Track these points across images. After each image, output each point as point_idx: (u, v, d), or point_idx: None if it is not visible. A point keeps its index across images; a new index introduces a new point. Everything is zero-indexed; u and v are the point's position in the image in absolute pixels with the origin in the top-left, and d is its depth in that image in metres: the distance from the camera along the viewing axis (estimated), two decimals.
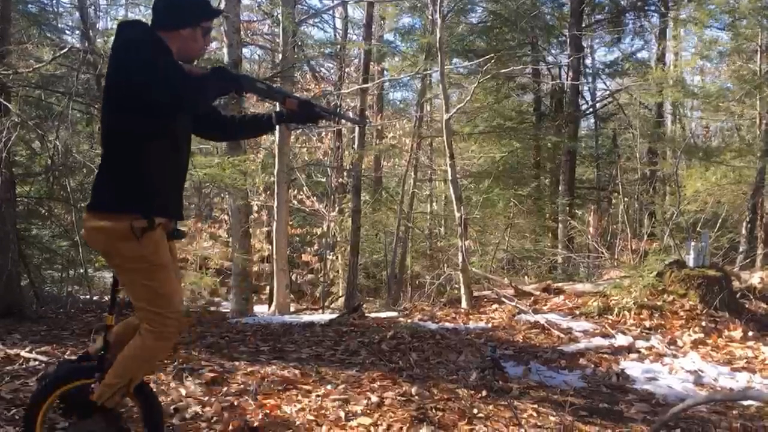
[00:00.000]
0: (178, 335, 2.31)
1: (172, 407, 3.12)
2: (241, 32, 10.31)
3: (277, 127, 3.02)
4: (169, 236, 2.31)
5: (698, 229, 8.31)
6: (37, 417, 2.27)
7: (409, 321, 6.19)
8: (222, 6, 8.64)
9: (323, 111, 2.57)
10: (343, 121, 12.48)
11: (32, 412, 2.29)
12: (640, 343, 5.36)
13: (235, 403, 3.27)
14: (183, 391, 3.38)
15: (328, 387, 3.67)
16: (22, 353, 4.02)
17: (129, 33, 2.21)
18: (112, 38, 2.36)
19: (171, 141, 2.26)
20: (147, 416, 2.36)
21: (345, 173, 14.02)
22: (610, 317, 6.12)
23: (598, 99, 15.10)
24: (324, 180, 15.32)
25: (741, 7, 10.39)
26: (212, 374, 3.73)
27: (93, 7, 12.80)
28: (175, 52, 2.25)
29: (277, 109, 2.58)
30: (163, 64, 2.10)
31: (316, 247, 13.96)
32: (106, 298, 7.57)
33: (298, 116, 2.49)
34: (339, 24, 15.25)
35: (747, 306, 6.56)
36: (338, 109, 11.38)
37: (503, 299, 6.94)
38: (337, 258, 14.20)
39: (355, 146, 12.39)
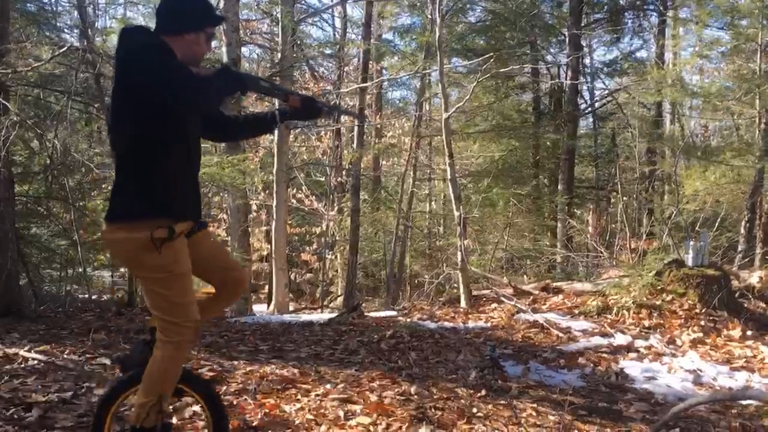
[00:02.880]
0: (194, 342, 2.32)
1: (170, 407, 3.11)
2: (240, 31, 10.30)
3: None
4: (192, 232, 2.31)
5: (697, 228, 8.31)
6: (106, 419, 2.28)
7: (408, 320, 6.19)
8: (221, 5, 8.63)
9: (324, 106, 2.60)
10: (343, 118, 12.49)
11: (101, 413, 2.29)
12: (639, 343, 5.36)
13: (235, 403, 3.26)
14: None
15: (328, 386, 3.67)
16: (21, 352, 4.02)
17: (132, 37, 2.21)
18: (111, 37, 2.37)
19: (185, 145, 2.26)
20: (216, 422, 2.38)
21: (344, 172, 14.01)
22: (609, 316, 6.12)
23: (597, 98, 15.14)
24: (323, 179, 15.30)
25: (741, 7, 10.38)
26: (211, 373, 3.73)
27: (92, 6, 12.72)
28: (179, 56, 2.24)
29: (279, 107, 2.59)
30: (166, 67, 2.10)
31: (315, 246, 13.96)
32: (105, 298, 7.58)
33: (301, 113, 2.51)
34: (338, 23, 15.27)
35: (746, 305, 6.56)
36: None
37: (502, 298, 6.95)
38: (336, 257, 14.19)
39: (354, 145, 12.39)
